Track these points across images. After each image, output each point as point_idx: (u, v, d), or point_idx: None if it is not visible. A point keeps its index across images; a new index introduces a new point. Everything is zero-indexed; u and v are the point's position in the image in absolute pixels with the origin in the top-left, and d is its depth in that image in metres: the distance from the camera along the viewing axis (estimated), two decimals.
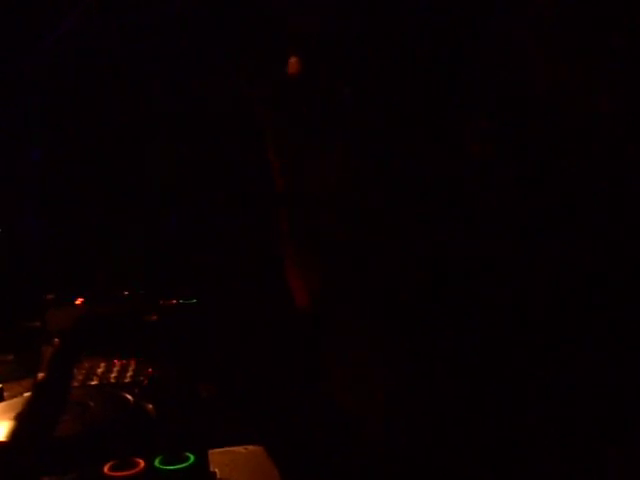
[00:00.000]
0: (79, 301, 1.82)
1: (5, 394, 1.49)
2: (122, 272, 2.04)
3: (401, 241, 1.34)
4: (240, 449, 1.27)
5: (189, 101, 2.03)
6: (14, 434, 1.12)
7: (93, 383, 1.57)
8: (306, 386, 1.53)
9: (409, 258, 1.33)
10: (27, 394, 1.44)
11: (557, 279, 1.16)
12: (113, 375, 1.61)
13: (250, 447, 1.28)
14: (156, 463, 1.14)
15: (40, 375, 1.43)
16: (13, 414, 1.24)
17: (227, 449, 1.27)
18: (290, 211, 1.56)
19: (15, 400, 1.43)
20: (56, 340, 1.59)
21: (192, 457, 1.15)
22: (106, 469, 1.12)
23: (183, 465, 1.14)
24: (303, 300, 1.48)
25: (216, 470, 1.18)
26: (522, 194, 1.22)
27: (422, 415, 1.26)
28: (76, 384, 1.56)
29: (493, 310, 1.21)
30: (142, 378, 1.56)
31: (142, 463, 1.14)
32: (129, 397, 1.42)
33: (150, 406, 1.39)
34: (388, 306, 1.36)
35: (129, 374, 1.60)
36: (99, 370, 1.63)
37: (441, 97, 1.32)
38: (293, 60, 1.49)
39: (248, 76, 1.64)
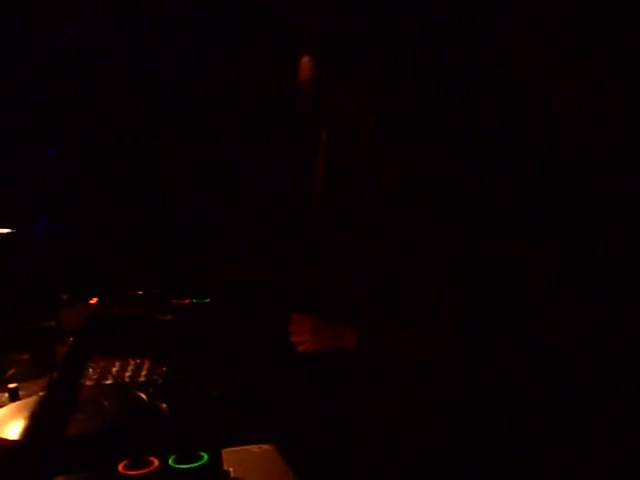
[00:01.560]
0: (93, 301, 1.82)
1: (20, 393, 1.50)
2: (136, 272, 2.05)
3: (401, 241, 1.34)
4: (254, 448, 1.29)
5: (190, 101, 2.02)
6: (26, 434, 1.12)
7: (108, 382, 1.58)
8: (311, 387, 1.54)
9: (409, 258, 1.33)
10: (42, 393, 1.45)
11: (557, 279, 1.16)
12: (127, 374, 1.61)
13: (264, 446, 1.29)
14: (170, 462, 1.15)
15: (54, 375, 1.45)
16: (28, 413, 1.26)
17: (241, 448, 1.28)
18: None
19: (30, 399, 1.43)
20: (71, 339, 1.61)
21: (206, 456, 1.16)
22: (120, 468, 1.13)
23: (197, 464, 1.15)
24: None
25: (230, 469, 1.20)
26: (522, 194, 1.22)
27: (422, 415, 1.27)
28: (91, 383, 1.57)
29: (493, 309, 1.21)
30: (156, 377, 1.57)
31: (156, 462, 1.15)
32: (143, 396, 1.43)
33: (164, 405, 1.40)
34: (388, 306, 1.37)
35: (143, 373, 1.61)
36: (114, 369, 1.64)
37: (441, 97, 1.31)
38: (305, 60, 1.49)
39: (249, 76, 1.64)
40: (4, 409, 1.40)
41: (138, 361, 1.67)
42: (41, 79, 2.04)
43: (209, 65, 1.94)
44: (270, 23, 1.63)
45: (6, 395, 1.49)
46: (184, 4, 1.88)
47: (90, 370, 1.62)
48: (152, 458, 1.16)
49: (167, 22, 1.91)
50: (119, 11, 1.92)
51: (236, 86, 1.83)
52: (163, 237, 2.07)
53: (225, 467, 1.19)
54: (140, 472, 1.12)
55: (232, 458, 1.23)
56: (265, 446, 1.29)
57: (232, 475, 1.20)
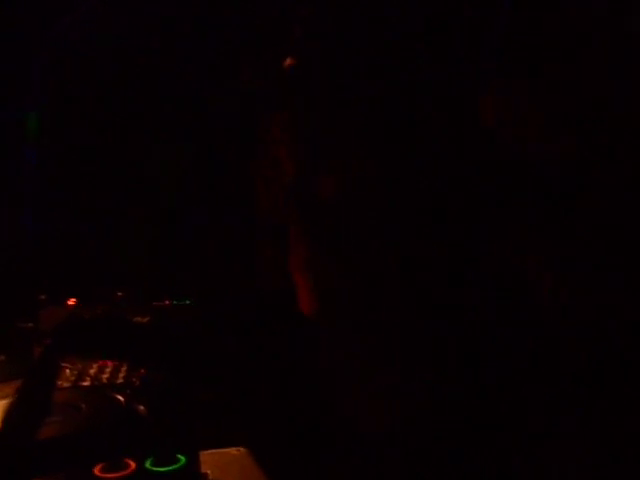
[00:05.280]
0: (72, 301, 1.81)
1: None
2: (116, 272, 2.03)
3: (401, 248, 1.34)
4: (232, 450, 1.27)
5: (191, 100, 2.03)
6: None
7: (85, 384, 1.55)
8: (301, 388, 1.53)
9: (411, 261, 1.32)
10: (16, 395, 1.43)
11: (559, 279, 1.15)
12: (105, 376, 1.58)
13: (242, 449, 1.27)
14: (147, 464, 1.13)
15: (27, 376, 1.43)
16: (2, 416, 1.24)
17: (219, 450, 1.26)
18: (302, 209, 1.54)
19: (6, 401, 1.41)
20: (47, 341, 1.59)
21: (183, 459, 1.15)
22: (96, 470, 1.11)
23: (174, 467, 1.13)
24: (306, 301, 1.47)
25: (208, 472, 1.18)
26: (523, 192, 1.22)
27: (422, 416, 1.25)
28: (68, 385, 1.54)
29: (494, 310, 1.21)
30: (134, 379, 1.55)
31: (133, 464, 1.13)
32: (121, 398, 1.41)
33: (142, 407, 1.38)
34: (391, 307, 1.36)
35: (121, 375, 1.58)
36: (91, 371, 1.61)
37: (443, 96, 1.31)
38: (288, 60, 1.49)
39: (249, 76, 1.65)
40: None
41: (116, 363, 1.65)
42: (42, 76, 2.05)
43: (211, 65, 1.96)
44: (271, 23, 1.64)
45: None
46: (186, 4, 1.90)
47: (67, 371, 1.59)
48: (129, 460, 1.14)
49: (168, 22, 1.93)
50: (121, 10, 1.94)
51: (237, 86, 1.84)
52: (147, 238, 2.06)
53: (203, 470, 1.17)
54: (116, 475, 1.10)
55: (210, 460, 1.21)
56: (244, 448, 1.28)
57: (210, 477, 1.17)
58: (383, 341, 1.33)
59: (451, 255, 1.26)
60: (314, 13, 1.40)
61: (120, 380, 1.56)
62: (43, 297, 1.81)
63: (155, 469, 1.13)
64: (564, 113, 1.13)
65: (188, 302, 1.80)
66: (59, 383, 1.53)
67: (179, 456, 1.15)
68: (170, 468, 1.13)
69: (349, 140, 1.39)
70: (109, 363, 1.64)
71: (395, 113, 1.34)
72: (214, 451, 1.26)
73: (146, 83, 2.05)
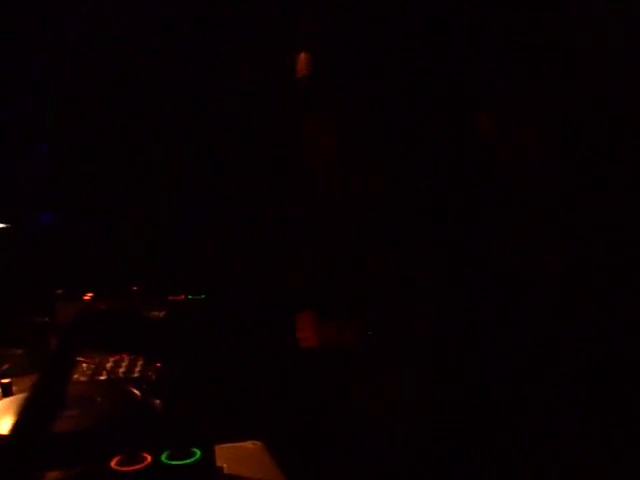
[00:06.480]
0: (88, 296, 1.81)
1: (14, 388, 1.49)
2: (132, 267, 2.04)
3: (401, 248, 1.34)
4: (248, 444, 1.28)
5: (191, 100, 2.02)
6: (13, 429, 1.12)
7: (101, 378, 1.56)
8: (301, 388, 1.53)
9: (410, 261, 1.33)
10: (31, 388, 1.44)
11: (559, 279, 1.15)
12: (121, 370, 1.59)
13: (257, 442, 1.28)
14: (163, 458, 1.14)
15: (43, 370, 1.44)
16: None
17: (234, 444, 1.28)
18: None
19: (23, 395, 1.42)
20: (63, 335, 1.59)
21: (199, 452, 1.15)
22: (113, 463, 1.12)
23: (190, 460, 1.14)
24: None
25: (224, 465, 1.19)
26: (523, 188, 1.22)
27: (422, 416, 1.26)
28: (84, 379, 1.55)
29: (494, 310, 1.21)
30: (150, 373, 1.55)
31: (149, 458, 1.13)
32: (137, 392, 1.40)
33: (157, 401, 1.38)
34: (391, 306, 1.36)
35: (137, 369, 1.58)
36: (108, 365, 1.61)
37: (443, 96, 1.30)
38: (302, 56, 1.48)
39: (249, 76, 1.64)
40: None
41: (132, 357, 1.65)
42: (48, 76, 2.05)
43: (212, 65, 1.94)
44: (273, 23, 1.63)
45: None
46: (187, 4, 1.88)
47: (84, 366, 1.59)
48: (145, 454, 1.14)
49: (170, 22, 1.91)
50: (124, 11, 1.92)
51: (235, 85, 1.83)
52: (161, 233, 2.06)
53: (218, 463, 1.17)
54: (133, 468, 1.12)
55: (226, 454, 1.21)
56: (259, 442, 1.28)
57: (226, 471, 1.19)
58: (383, 341, 1.34)
59: (451, 255, 1.26)
60: (315, 13, 1.38)
61: (136, 374, 1.56)
62: (59, 292, 1.81)
63: (171, 462, 1.13)
64: (564, 113, 1.12)
65: (203, 297, 1.79)
66: (76, 377, 1.54)
67: (195, 450, 1.15)
68: (186, 462, 1.13)
69: (349, 140, 1.39)
70: (125, 357, 1.66)
71: (395, 113, 1.33)
72: (230, 445, 1.27)
73: (146, 83, 2.04)
